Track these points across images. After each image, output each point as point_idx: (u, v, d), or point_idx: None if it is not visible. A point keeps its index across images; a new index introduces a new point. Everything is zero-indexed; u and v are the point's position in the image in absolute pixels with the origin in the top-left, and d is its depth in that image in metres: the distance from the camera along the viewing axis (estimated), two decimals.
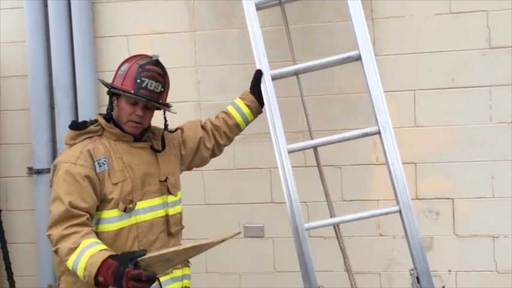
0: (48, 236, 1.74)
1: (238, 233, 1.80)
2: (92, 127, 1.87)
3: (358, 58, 2.02)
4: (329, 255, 2.45)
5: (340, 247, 2.09)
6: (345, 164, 2.70)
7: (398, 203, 1.94)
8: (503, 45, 2.58)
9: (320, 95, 2.67)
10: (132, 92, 1.82)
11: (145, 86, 1.84)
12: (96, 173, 1.79)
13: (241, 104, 2.13)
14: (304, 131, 2.60)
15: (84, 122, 1.90)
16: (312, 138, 2.16)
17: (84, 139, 1.84)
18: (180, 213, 2.02)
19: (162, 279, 1.87)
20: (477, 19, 2.59)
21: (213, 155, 2.19)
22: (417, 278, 1.90)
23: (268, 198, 2.80)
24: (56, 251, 1.73)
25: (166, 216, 1.93)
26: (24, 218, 2.85)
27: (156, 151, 1.96)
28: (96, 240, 1.73)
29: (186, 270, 2.03)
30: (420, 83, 2.64)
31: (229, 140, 2.19)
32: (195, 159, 2.13)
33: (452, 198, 2.66)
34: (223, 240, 1.75)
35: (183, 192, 2.06)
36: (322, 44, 2.66)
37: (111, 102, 1.92)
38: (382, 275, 2.71)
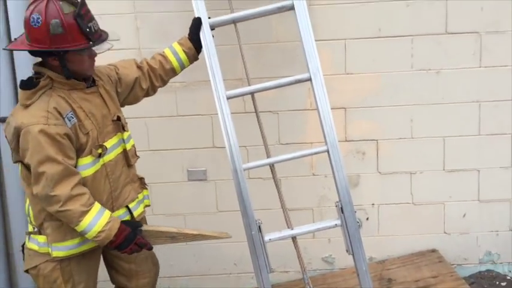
0: (54, 196, 1.81)
1: (230, 237, 2.21)
2: (43, 82, 1.86)
3: (292, 8, 2.16)
4: (267, 195, 2.67)
5: (276, 185, 2.31)
6: (282, 110, 2.88)
7: (326, 144, 2.16)
8: None
9: (258, 43, 2.78)
10: (91, 43, 1.86)
11: (95, 30, 1.89)
12: (69, 128, 1.86)
13: (179, 49, 2.21)
14: (243, 78, 2.69)
15: (31, 79, 1.88)
16: (249, 85, 2.31)
17: (40, 96, 1.85)
18: (134, 145, 2.18)
19: (130, 205, 2.10)
20: None
21: (147, 94, 2.29)
22: (341, 208, 2.17)
23: (210, 143, 2.94)
24: (63, 212, 1.82)
25: (125, 151, 2.09)
26: None
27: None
28: (100, 205, 1.91)
29: (145, 192, 2.26)
30: (350, 33, 2.82)
31: (164, 83, 2.29)
32: (128, 98, 2.22)
33: (376, 140, 2.94)
34: (221, 237, 2.21)
35: None
36: None
37: (49, 59, 1.88)
38: (314, 210, 2.99)
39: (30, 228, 2.02)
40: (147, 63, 2.23)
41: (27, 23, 1.85)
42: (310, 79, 2.16)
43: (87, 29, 1.85)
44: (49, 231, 1.94)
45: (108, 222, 1.90)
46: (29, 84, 1.86)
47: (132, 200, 2.12)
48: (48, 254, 1.96)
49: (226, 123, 2.13)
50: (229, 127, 2.13)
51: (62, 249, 1.96)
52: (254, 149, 2.81)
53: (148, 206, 2.29)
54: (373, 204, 3.00)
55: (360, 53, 2.84)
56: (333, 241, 3.00)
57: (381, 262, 2.98)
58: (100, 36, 1.92)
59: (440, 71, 2.86)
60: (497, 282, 2.96)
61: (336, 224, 2.18)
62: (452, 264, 2.96)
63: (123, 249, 1.96)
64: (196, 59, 2.25)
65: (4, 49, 1.98)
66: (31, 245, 2.01)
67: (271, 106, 2.83)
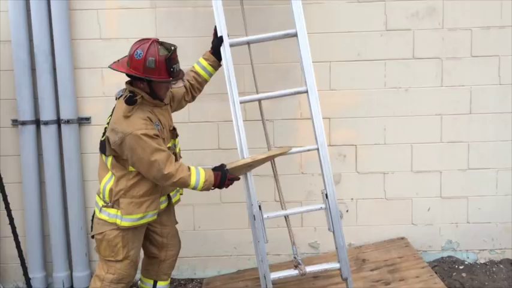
0: (168, 173, 2.48)
1: (291, 149, 2.80)
2: (139, 100, 2.48)
3: (295, 35, 2.76)
4: (264, 189, 3.24)
5: (277, 182, 2.92)
6: (276, 119, 3.44)
7: (317, 143, 2.75)
8: (397, 28, 3.39)
9: (258, 64, 3.34)
10: (171, 79, 2.51)
11: (177, 70, 2.55)
12: (158, 132, 2.50)
13: (205, 63, 2.85)
14: (245, 92, 3.27)
15: (132, 97, 2.47)
16: (257, 93, 2.91)
17: (136, 110, 2.48)
18: (180, 148, 2.82)
19: (171, 193, 2.78)
20: (377, 8, 3.36)
21: (188, 103, 2.94)
22: (326, 195, 2.75)
23: (216, 146, 3.49)
24: (178, 181, 2.52)
25: (174, 153, 2.71)
26: (9, 161, 3.37)
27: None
28: (193, 167, 2.59)
29: None
30: (334, 56, 3.39)
31: (200, 91, 2.94)
32: (175, 109, 2.86)
33: (355, 145, 3.50)
34: (285, 152, 2.73)
35: None
36: (267, 22, 3.31)
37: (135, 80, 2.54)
38: (302, 202, 3.51)
39: (102, 203, 2.59)
40: (187, 80, 2.83)
41: (132, 55, 2.49)
42: (307, 91, 2.76)
43: (171, 69, 2.50)
44: (123, 206, 2.54)
45: (205, 175, 2.57)
46: (131, 102, 2.47)
47: (172, 190, 2.80)
48: (115, 223, 2.55)
49: (238, 123, 2.73)
50: (240, 126, 2.72)
51: (128, 220, 2.56)
52: (253, 150, 3.36)
53: (182, 194, 2.93)
54: (352, 198, 3.55)
55: (342, 73, 3.41)
56: (318, 229, 3.55)
57: (357, 247, 3.53)
58: (178, 75, 2.56)
59: (408, 89, 3.44)
60: (457, 266, 3.50)
61: (321, 207, 2.78)
62: (419, 251, 3.49)
63: (222, 187, 2.63)
64: (219, 66, 2.86)
65: (109, 67, 2.61)
66: (102, 215, 2.59)
67: (267, 115, 3.36)
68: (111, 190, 2.57)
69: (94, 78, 3.39)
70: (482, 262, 3.55)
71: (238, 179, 2.69)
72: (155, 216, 2.67)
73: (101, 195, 2.62)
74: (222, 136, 3.47)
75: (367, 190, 3.54)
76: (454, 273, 3.40)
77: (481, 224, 3.55)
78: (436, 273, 3.16)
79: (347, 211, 3.57)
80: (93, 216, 2.69)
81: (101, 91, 3.41)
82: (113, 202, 2.57)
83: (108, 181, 2.59)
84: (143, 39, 2.54)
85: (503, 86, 3.42)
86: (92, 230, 2.69)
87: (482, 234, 3.55)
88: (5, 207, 3.04)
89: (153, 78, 2.47)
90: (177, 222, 2.97)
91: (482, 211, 3.53)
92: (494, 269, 3.46)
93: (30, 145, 3.32)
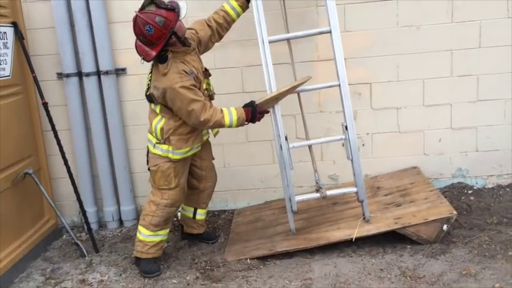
0: (204, 120, 2.85)
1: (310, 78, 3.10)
2: (169, 56, 2.80)
3: None
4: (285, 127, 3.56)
5: (303, 116, 3.26)
6: (295, 62, 3.69)
7: (338, 80, 3.04)
8: None
9: (277, 10, 3.56)
10: (176, 11, 2.75)
11: (171, 4, 2.78)
12: (193, 80, 2.82)
13: (235, 4, 3.10)
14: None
15: (163, 56, 2.79)
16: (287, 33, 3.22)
17: (170, 65, 2.80)
18: (213, 86, 3.14)
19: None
20: None
21: (213, 44, 3.19)
22: (346, 127, 3.06)
23: (240, 89, 3.80)
24: (214, 124, 2.88)
25: (210, 94, 3.06)
26: (58, 111, 3.76)
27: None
28: (225, 108, 2.94)
29: None
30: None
31: (227, 31, 3.17)
32: (203, 51, 3.15)
33: (370, 83, 3.75)
34: (306, 81, 3.04)
35: None
36: None
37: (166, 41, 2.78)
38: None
39: (155, 140, 3.01)
40: (214, 20, 3.08)
41: (145, 35, 2.72)
42: (330, 31, 3.02)
43: (169, 7, 2.74)
44: (173, 142, 2.95)
45: (237, 113, 2.93)
46: (163, 60, 2.80)
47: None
48: (167, 157, 2.97)
49: (266, 60, 3.04)
50: (268, 63, 3.04)
51: (179, 154, 2.98)
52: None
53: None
54: (367, 133, 3.85)
55: (355, 15, 3.60)
56: (336, 162, 3.89)
57: (373, 177, 3.87)
58: (174, 6, 2.77)
59: (420, 26, 3.62)
60: (466, 191, 3.80)
61: (342, 138, 3.12)
62: (430, 179, 3.80)
63: (254, 121, 2.99)
64: (247, 8, 3.11)
65: (142, 61, 2.88)
66: (156, 151, 3.01)
67: (286, 59, 3.61)
68: (162, 129, 2.96)
69: (126, 31, 3.68)
70: (490, 187, 3.84)
71: (268, 111, 3.02)
72: (200, 148, 3.10)
73: (153, 134, 3.02)
74: (246, 80, 3.76)
75: (381, 125, 3.82)
76: (463, 197, 3.71)
77: (490, 152, 3.80)
78: (445, 197, 3.48)
79: (363, 145, 3.87)
80: (147, 152, 3.11)
81: (133, 43, 3.70)
82: (165, 139, 2.96)
83: (158, 122, 2.97)
84: (132, 22, 2.77)
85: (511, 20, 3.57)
86: (147, 164, 3.11)
87: (491, 161, 3.82)
88: (59, 151, 3.46)
89: (172, 26, 2.72)
90: (213, 158, 3.36)
91: (490, 140, 3.78)
92: (500, 192, 3.75)
93: (75, 95, 3.71)
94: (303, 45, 3.62)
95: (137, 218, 3.98)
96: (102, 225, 3.97)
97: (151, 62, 2.94)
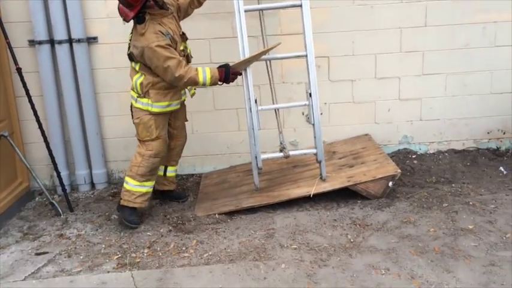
0: (179, 75, 3.08)
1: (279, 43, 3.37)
2: (147, 18, 3.03)
3: None
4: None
5: (271, 82, 3.63)
6: (259, 35, 3.95)
7: (306, 51, 3.36)
8: None
9: None
10: None
11: None
12: (169, 40, 3.05)
13: None
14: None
15: (140, 17, 3.04)
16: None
17: (147, 26, 3.04)
18: (190, 50, 3.39)
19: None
20: None
21: (193, 10, 3.43)
22: (310, 94, 3.39)
23: (208, 60, 4.03)
24: (188, 80, 3.11)
25: (186, 55, 3.30)
26: (30, 77, 3.84)
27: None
28: (199, 67, 3.17)
29: None
30: None
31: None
32: (183, 17, 3.38)
33: (328, 56, 4.08)
34: (275, 46, 3.32)
35: None
36: None
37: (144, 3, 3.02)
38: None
39: (136, 95, 3.25)
40: None
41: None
42: (301, 5, 3.32)
43: None
44: (152, 95, 3.20)
45: (211, 72, 3.18)
46: (141, 20, 3.04)
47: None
48: (147, 110, 3.23)
49: (241, 27, 3.32)
50: (243, 30, 3.32)
51: (158, 107, 3.24)
52: None
53: (195, 90, 3.54)
54: (325, 103, 4.19)
55: None
56: (297, 130, 4.23)
57: (330, 143, 4.23)
58: None
59: (373, 5, 3.97)
60: (410, 156, 4.24)
61: (305, 104, 3.46)
62: (380, 145, 4.23)
63: (228, 81, 3.26)
64: None
65: (123, 21, 3.12)
66: (137, 104, 3.27)
67: (252, 32, 3.88)
68: (141, 84, 3.19)
69: (98, 1, 3.83)
70: (431, 152, 4.31)
71: (241, 73, 3.30)
72: (178, 106, 3.35)
73: (134, 89, 3.26)
74: (214, 51, 4.00)
75: (338, 95, 4.18)
76: (407, 161, 4.16)
77: (432, 121, 4.26)
78: (392, 160, 3.90)
79: (321, 114, 4.17)
80: (131, 107, 3.36)
81: (105, 13, 3.86)
82: (144, 93, 3.21)
83: (138, 78, 3.21)
84: None
85: (453, 1, 3.97)
86: (132, 118, 3.37)
87: (433, 129, 4.28)
88: (34, 115, 3.59)
89: None
90: (187, 120, 3.64)
91: (433, 110, 4.23)
92: (440, 156, 4.23)
93: (47, 62, 3.82)
94: (268, 19, 3.88)
95: (108, 182, 4.19)
96: (74, 188, 4.14)
97: (131, 23, 3.16)
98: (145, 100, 3.24)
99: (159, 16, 3.13)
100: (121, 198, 3.38)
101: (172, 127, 3.50)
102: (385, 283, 2.49)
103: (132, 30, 3.20)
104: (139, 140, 3.36)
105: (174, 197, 3.74)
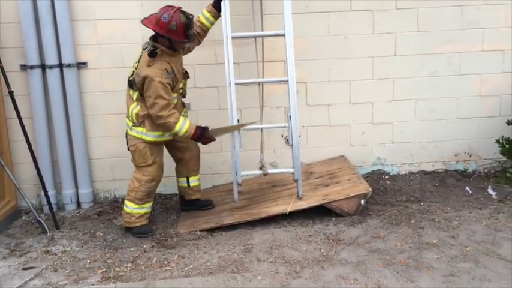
0: (160, 115, 3.36)
1: (255, 122, 3.73)
2: (159, 53, 3.29)
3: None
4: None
5: (261, 103, 3.90)
6: (242, 62, 4.20)
7: (287, 76, 3.65)
8: None
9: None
10: (186, 40, 3.35)
11: (191, 34, 3.38)
12: (171, 80, 3.31)
13: (209, 15, 3.65)
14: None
15: (153, 51, 3.29)
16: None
17: (156, 61, 3.30)
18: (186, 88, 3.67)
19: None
20: None
21: (194, 48, 3.71)
22: (290, 116, 3.65)
23: (192, 85, 4.26)
24: (166, 123, 3.37)
25: (182, 89, 3.58)
26: (21, 100, 4.00)
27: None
28: (184, 118, 3.45)
29: (184, 109, 3.71)
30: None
31: (204, 37, 3.71)
32: (185, 54, 3.66)
33: (305, 82, 4.34)
34: (252, 123, 3.70)
35: None
36: None
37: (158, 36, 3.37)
38: (263, 130, 4.34)
39: (131, 124, 3.49)
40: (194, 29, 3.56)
41: (160, 17, 3.29)
42: (284, 35, 3.62)
43: (188, 33, 3.34)
44: (147, 125, 3.44)
45: (189, 128, 3.45)
46: (152, 55, 3.30)
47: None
48: (141, 138, 3.45)
49: (228, 52, 3.57)
50: (230, 54, 3.58)
51: (151, 136, 3.47)
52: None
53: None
54: (303, 126, 4.42)
55: (296, 23, 4.10)
56: (276, 151, 4.45)
57: (307, 164, 4.45)
58: (192, 37, 3.40)
59: (347, 36, 4.27)
60: (383, 176, 4.48)
61: (285, 126, 3.76)
62: (355, 166, 4.45)
63: (198, 141, 3.57)
64: (219, 17, 3.65)
65: (141, 22, 3.39)
66: (132, 133, 3.50)
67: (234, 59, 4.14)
68: (137, 114, 3.45)
69: (88, 29, 4.06)
70: (403, 173, 4.56)
71: (214, 140, 3.60)
72: (171, 137, 3.57)
73: (130, 118, 3.50)
74: (198, 76, 4.22)
75: (315, 119, 4.43)
76: (381, 181, 4.40)
77: (403, 144, 4.52)
78: (367, 181, 4.12)
79: (299, 136, 4.36)
80: (126, 134, 3.58)
81: (95, 40, 4.09)
82: (140, 122, 3.45)
83: (134, 108, 3.46)
84: (170, 6, 3.34)
85: (421, 33, 4.29)
86: (127, 144, 3.59)
87: (404, 152, 4.54)
88: (24, 136, 3.74)
89: (173, 38, 3.31)
90: None
91: (403, 133, 4.50)
92: (411, 177, 4.48)
93: (38, 86, 4.01)
94: (248, 48, 4.14)
95: (94, 201, 4.33)
96: (60, 207, 4.27)
97: (140, 54, 3.45)
98: (140, 129, 3.47)
99: (169, 54, 3.41)
100: (123, 221, 3.66)
101: (179, 141, 3.70)
102: None
103: (139, 59, 3.42)
104: (136, 166, 3.56)
105: (200, 205, 3.95)
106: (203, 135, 3.51)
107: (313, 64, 4.31)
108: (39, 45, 3.97)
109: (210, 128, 3.57)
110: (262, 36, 3.83)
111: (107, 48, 4.12)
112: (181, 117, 3.45)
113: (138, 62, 3.43)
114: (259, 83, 3.93)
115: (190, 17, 3.36)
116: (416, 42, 4.32)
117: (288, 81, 3.65)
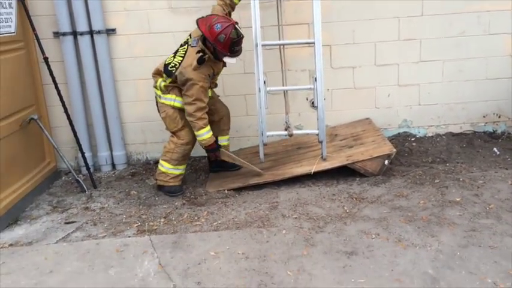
0: (193, 113, 3.54)
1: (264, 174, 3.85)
2: (206, 59, 3.42)
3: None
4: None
5: (283, 67, 3.95)
6: (265, 25, 4.25)
7: (314, 38, 3.65)
8: None
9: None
10: (229, 54, 3.48)
11: (237, 50, 3.53)
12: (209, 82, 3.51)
13: None
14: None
15: (202, 57, 3.42)
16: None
17: (203, 67, 3.45)
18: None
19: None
20: None
21: None
22: (315, 78, 3.69)
23: None
24: (195, 122, 3.56)
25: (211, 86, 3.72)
26: (54, 66, 4.18)
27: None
28: (209, 127, 3.65)
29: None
30: None
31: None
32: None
33: (330, 45, 4.35)
34: (258, 170, 3.84)
35: None
36: None
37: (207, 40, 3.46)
38: (288, 92, 4.44)
39: (160, 93, 3.67)
40: (222, 6, 3.63)
41: (213, 25, 3.39)
42: None
43: (233, 49, 3.47)
44: (174, 93, 3.61)
45: (209, 138, 3.65)
46: (201, 62, 3.43)
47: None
48: (171, 104, 3.63)
49: (256, 17, 3.62)
50: (257, 18, 3.63)
51: (180, 102, 3.61)
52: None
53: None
54: (328, 89, 4.46)
55: None
56: (301, 114, 4.52)
57: (332, 127, 4.51)
58: (236, 53, 3.52)
59: None
60: (409, 138, 4.50)
61: (311, 87, 3.78)
62: (380, 128, 4.48)
63: (209, 152, 3.86)
64: None
65: (196, 21, 3.48)
66: (162, 100, 3.69)
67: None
68: (165, 85, 3.63)
69: None
70: (430, 135, 4.56)
71: (218, 157, 3.82)
72: None
73: (158, 88, 3.68)
74: (226, 85, 4.28)
75: (339, 82, 4.45)
76: (406, 143, 4.42)
77: (430, 106, 4.50)
78: (392, 143, 4.16)
79: (324, 99, 4.45)
80: (156, 102, 3.76)
81: (123, 7, 4.20)
82: (169, 91, 3.63)
83: (162, 81, 3.65)
84: (227, 18, 3.47)
85: None
86: (159, 112, 3.77)
87: (431, 114, 4.52)
88: (60, 100, 3.94)
89: (218, 47, 3.41)
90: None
91: (431, 95, 4.47)
92: (438, 139, 4.48)
93: (71, 52, 4.17)
94: (273, 10, 4.15)
95: (127, 163, 4.54)
96: (96, 168, 4.50)
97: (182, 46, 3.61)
98: (169, 96, 3.65)
99: (213, 60, 3.55)
100: (156, 179, 3.84)
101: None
102: (374, 245, 2.78)
103: (184, 53, 3.53)
104: (171, 132, 3.75)
105: (228, 166, 4.09)
106: (215, 150, 3.77)
107: (338, 26, 4.29)
108: (70, 13, 4.10)
109: (221, 149, 3.84)
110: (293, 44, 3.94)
111: (134, 15, 4.22)
112: (208, 126, 3.63)
113: (182, 56, 3.53)
114: (284, 45, 3.97)
115: (241, 36, 3.46)
116: (444, 1, 4.23)
117: (314, 43, 3.68)
